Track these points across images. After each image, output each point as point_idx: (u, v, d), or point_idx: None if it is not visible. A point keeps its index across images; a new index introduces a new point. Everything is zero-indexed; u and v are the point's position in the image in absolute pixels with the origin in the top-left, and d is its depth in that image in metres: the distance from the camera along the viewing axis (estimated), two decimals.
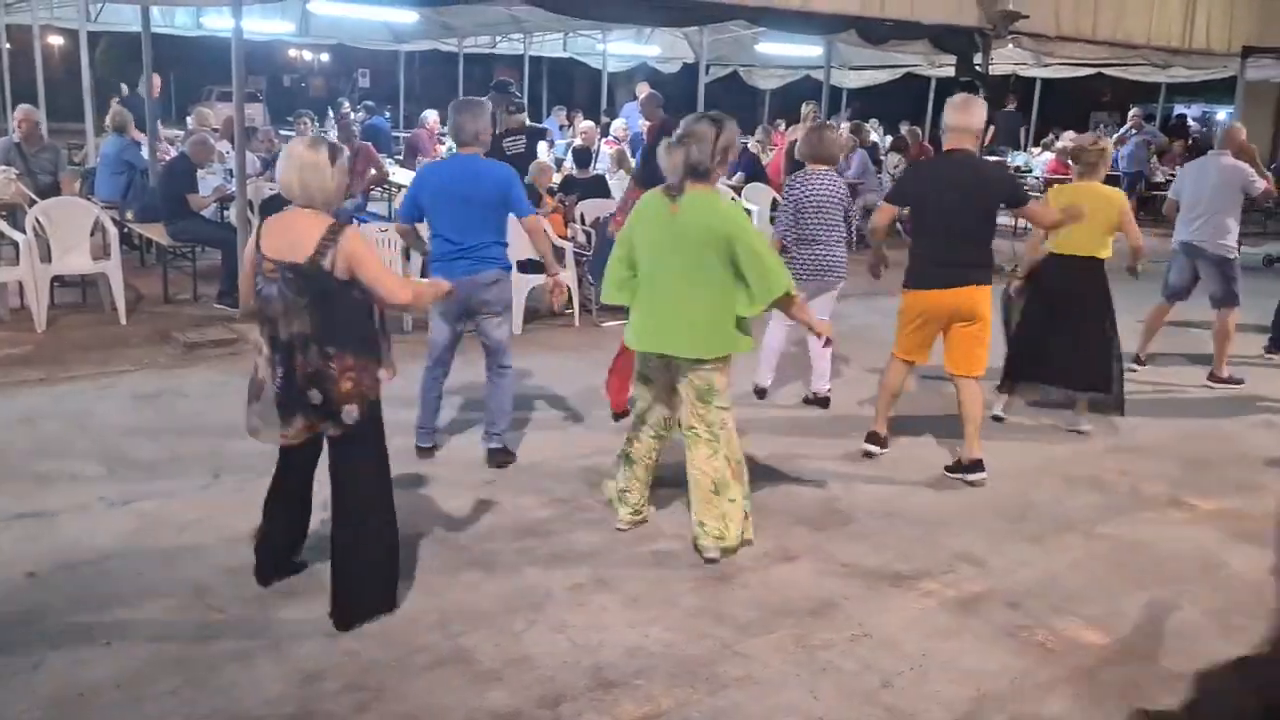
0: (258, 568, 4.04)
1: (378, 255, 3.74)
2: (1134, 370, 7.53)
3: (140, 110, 10.87)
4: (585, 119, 15.26)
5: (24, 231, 7.71)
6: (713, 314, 4.33)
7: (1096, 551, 4.73)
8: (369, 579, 3.83)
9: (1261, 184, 7.43)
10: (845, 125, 16.07)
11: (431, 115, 14.10)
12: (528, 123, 11.70)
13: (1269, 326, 8.57)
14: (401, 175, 12.31)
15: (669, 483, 4.96)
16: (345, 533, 3.76)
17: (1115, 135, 17.27)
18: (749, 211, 10.07)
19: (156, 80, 13.05)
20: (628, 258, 4.50)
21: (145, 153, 10.54)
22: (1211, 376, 7.60)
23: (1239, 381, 7.53)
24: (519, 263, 8.12)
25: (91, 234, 8.06)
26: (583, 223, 9.26)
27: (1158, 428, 6.50)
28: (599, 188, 9.94)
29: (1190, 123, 20.49)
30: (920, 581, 4.34)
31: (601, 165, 11.46)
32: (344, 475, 3.76)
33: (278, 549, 4.06)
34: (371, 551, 3.81)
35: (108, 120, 10.57)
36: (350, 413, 3.62)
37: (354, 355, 3.62)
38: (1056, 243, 6.10)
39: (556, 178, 10.49)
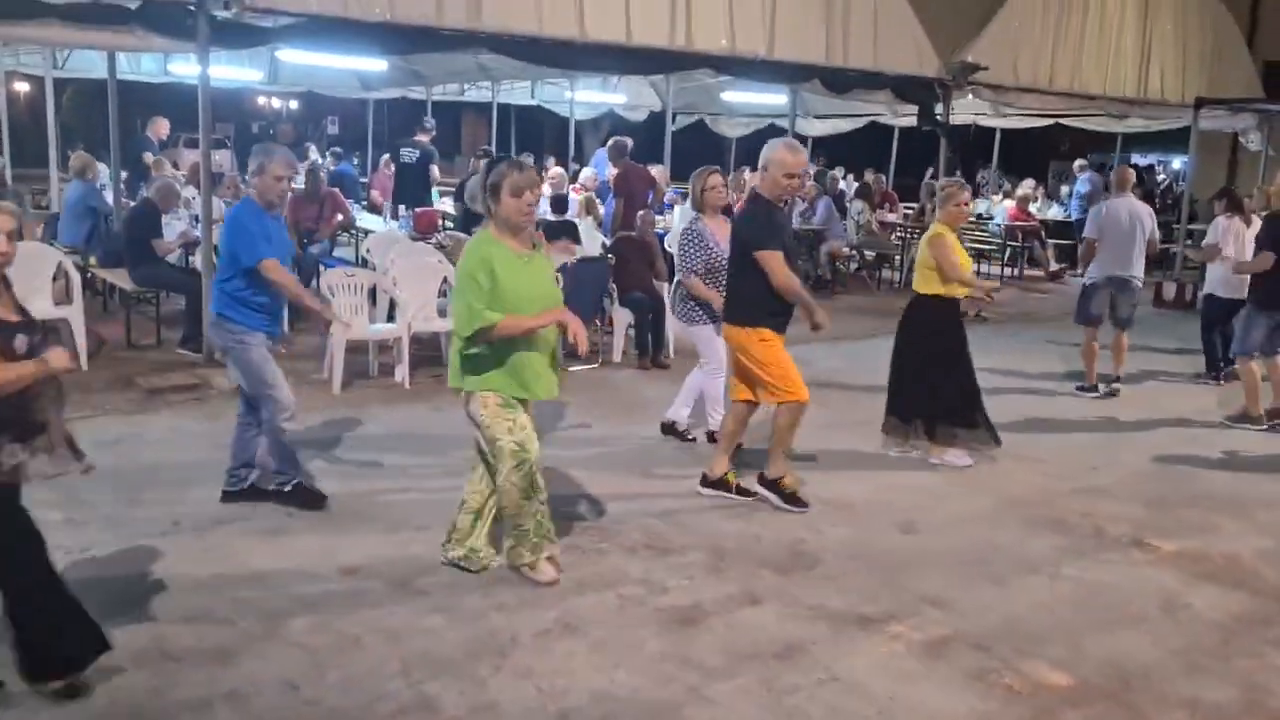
0: None
1: None
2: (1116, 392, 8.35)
3: (148, 150, 11.00)
4: (557, 164, 15.37)
5: None
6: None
7: (1060, 593, 4.75)
8: None
9: (1158, 235, 8.35)
10: (812, 170, 16.31)
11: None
12: (427, 143, 12.43)
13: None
14: (368, 221, 12.33)
15: (631, 529, 4.91)
16: None
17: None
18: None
19: (164, 124, 13.39)
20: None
21: (109, 197, 10.50)
22: (1117, 380, 8.40)
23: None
24: None
25: (54, 279, 7.98)
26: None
27: (1120, 468, 6.58)
28: (570, 232, 10.04)
29: (1160, 175, 20.85)
30: (887, 624, 4.34)
31: (569, 211, 11.52)
32: None
33: None
34: None
35: (69, 166, 10.55)
36: None
37: None
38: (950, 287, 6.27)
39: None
